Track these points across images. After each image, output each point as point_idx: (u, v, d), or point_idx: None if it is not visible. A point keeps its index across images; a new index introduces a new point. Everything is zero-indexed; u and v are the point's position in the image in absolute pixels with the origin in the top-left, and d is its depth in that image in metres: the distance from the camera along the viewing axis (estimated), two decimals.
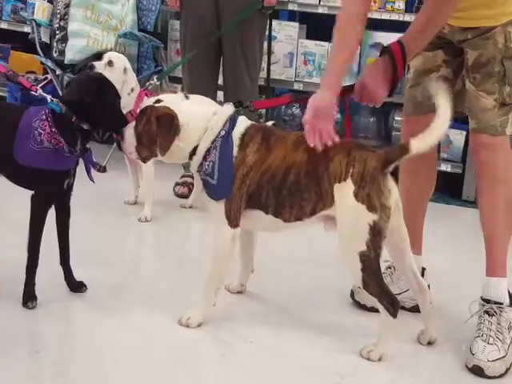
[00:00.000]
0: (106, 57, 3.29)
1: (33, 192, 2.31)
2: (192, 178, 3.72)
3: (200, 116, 2.24)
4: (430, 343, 2.31)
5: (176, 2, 3.83)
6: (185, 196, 3.74)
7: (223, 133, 2.21)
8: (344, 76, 2.27)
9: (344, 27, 2.22)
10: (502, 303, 2.26)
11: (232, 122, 2.24)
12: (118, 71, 3.26)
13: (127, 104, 3.17)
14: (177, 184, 3.84)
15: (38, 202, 2.31)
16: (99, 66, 3.21)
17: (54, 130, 2.23)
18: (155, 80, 3.41)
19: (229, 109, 2.29)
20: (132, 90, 3.30)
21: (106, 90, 2.31)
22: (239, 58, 3.69)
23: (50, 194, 2.34)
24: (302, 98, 2.53)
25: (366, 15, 2.26)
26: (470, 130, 2.34)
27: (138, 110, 2.30)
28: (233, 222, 2.22)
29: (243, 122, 2.26)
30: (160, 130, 2.18)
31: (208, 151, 2.22)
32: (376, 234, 2.09)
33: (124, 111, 2.58)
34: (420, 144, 2.11)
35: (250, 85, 3.74)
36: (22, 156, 2.24)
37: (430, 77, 2.40)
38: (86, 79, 2.38)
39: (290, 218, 2.22)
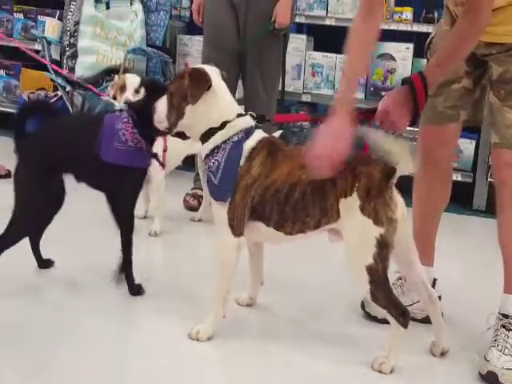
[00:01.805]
0: (130, 87, 3.29)
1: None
2: (202, 190, 3.74)
3: (229, 100, 2.28)
4: (442, 354, 2.30)
5: (199, 18, 3.88)
6: (194, 208, 3.76)
7: (235, 138, 2.22)
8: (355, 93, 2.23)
9: (356, 42, 2.19)
10: None
11: (247, 133, 2.24)
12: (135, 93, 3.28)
13: None
14: (187, 194, 3.86)
15: (125, 202, 2.55)
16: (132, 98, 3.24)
17: (135, 130, 2.49)
18: None
19: (249, 120, 2.29)
20: None
21: None
22: (256, 75, 3.71)
23: (134, 192, 2.58)
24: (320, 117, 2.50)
25: (379, 25, 2.23)
26: (492, 144, 2.32)
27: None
28: (236, 230, 2.22)
29: (257, 136, 2.26)
30: (192, 81, 2.20)
31: (217, 148, 2.23)
32: (383, 247, 2.08)
33: None
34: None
35: (266, 98, 3.74)
36: (108, 154, 2.46)
37: (452, 88, 2.40)
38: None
39: (291, 232, 2.22)
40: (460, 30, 2.18)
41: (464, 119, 2.47)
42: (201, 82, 2.21)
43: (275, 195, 2.18)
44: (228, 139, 2.23)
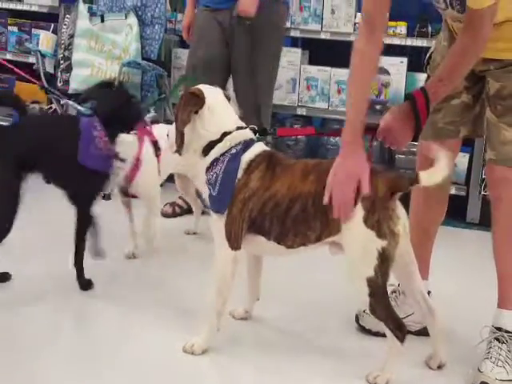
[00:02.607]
0: None
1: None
2: (182, 199, 3.79)
3: (228, 114, 2.30)
4: (439, 367, 2.29)
5: (189, 37, 3.95)
6: (167, 215, 3.85)
7: (234, 151, 2.24)
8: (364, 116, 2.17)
9: (359, 67, 2.16)
10: None
11: (245, 145, 2.25)
12: None
13: None
14: (165, 204, 3.90)
15: (89, 204, 2.67)
16: None
17: (107, 139, 2.65)
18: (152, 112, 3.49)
19: (248, 133, 2.30)
20: None
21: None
22: (247, 84, 3.70)
23: (98, 193, 2.75)
24: (327, 132, 2.48)
25: (381, 40, 2.16)
26: (487, 160, 2.32)
27: None
28: (234, 243, 2.22)
29: (256, 149, 2.26)
30: (183, 102, 2.24)
31: (216, 161, 2.24)
32: (384, 260, 2.08)
33: None
34: (429, 178, 2.11)
35: (256, 100, 3.69)
36: (86, 159, 2.59)
37: (451, 103, 2.40)
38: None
39: (293, 245, 2.22)
40: (460, 47, 2.17)
41: (464, 135, 2.47)
42: (189, 103, 2.24)
43: (275, 209, 2.18)
44: (226, 152, 2.23)
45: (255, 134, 2.32)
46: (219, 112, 2.27)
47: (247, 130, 2.31)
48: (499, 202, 2.28)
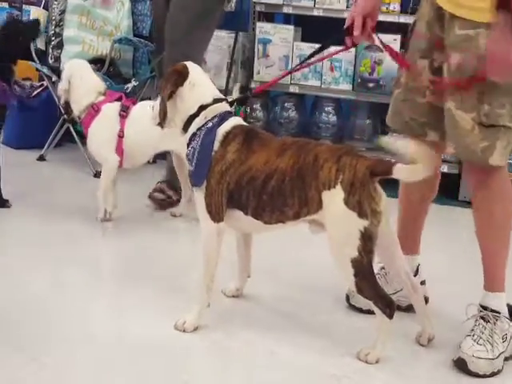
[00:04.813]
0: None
1: None
2: (168, 184, 3.66)
3: (208, 89, 2.31)
4: (429, 341, 2.31)
5: None
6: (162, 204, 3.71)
7: (209, 125, 2.24)
8: None
9: None
10: (499, 312, 2.25)
11: (220, 118, 2.25)
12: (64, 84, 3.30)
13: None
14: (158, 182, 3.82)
15: None
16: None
17: None
18: (133, 82, 3.46)
19: (224, 106, 2.31)
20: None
21: None
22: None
23: None
24: (299, 66, 2.48)
25: None
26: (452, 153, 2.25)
27: None
28: (215, 216, 2.23)
29: (232, 121, 2.27)
30: (167, 78, 2.28)
31: (193, 136, 2.26)
32: (367, 239, 2.08)
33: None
34: (404, 174, 2.08)
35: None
36: None
37: (417, 100, 2.28)
38: None
39: (270, 221, 2.22)
40: None
41: (432, 139, 2.29)
42: (172, 79, 2.26)
43: (251, 183, 2.18)
44: (203, 126, 2.25)
45: (233, 105, 2.34)
46: (198, 88, 2.28)
47: (224, 102, 2.31)
48: (476, 190, 2.24)
